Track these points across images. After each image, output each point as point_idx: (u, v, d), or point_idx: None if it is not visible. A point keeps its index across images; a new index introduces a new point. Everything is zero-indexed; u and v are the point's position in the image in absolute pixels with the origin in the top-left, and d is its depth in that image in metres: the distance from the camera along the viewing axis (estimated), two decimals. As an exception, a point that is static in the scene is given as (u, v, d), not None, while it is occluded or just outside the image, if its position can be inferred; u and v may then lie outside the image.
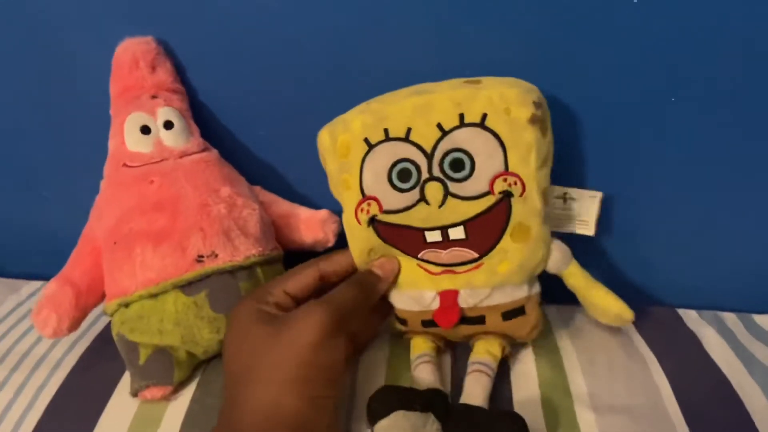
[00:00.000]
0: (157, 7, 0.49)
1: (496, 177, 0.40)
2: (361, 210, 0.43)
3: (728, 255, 0.52)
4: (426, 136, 0.40)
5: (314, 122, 0.45)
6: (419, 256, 0.44)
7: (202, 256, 0.45)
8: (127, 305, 0.45)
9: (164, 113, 0.49)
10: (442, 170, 0.41)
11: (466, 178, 0.40)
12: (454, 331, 0.45)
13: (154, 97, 0.49)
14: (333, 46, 0.48)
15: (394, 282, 0.45)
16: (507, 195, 0.41)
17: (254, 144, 0.55)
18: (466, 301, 0.43)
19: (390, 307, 0.47)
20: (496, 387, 0.43)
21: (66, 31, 0.51)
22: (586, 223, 0.47)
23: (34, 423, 0.44)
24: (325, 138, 0.44)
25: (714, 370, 0.45)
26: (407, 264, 0.45)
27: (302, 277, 0.43)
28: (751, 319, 0.51)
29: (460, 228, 0.42)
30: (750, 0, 0.42)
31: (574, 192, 0.46)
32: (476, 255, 0.43)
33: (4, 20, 0.52)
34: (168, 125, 0.49)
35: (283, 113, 0.52)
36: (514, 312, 0.44)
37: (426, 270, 0.44)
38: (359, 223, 0.43)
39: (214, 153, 0.51)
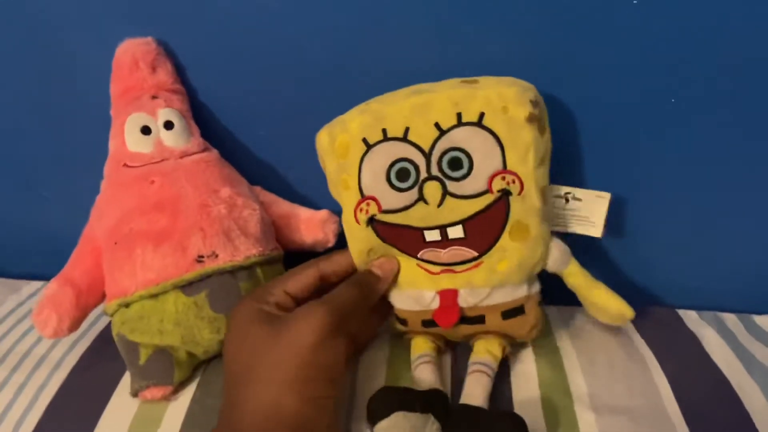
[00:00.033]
0: (157, 7, 0.49)
1: (494, 175, 0.40)
2: (360, 210, 0.43)
3: (728, 255, 0.52)
4: (424, 136, 0.41)
5: (314, 122, 0.45)
6: (419, 255, 0.44)
7: (203, 257, 0.45)
8: (127, 305, 0.45)
9: (165, 114, 0.49)
10: (440, 169, 0.41)
11: (464, 177, 0.40)
12: (454, 330, 0.45)
13: (154, 97, 0.49)
14: (333, 46, 0.49)
15: (393, 282, 0.45)
16: (505, 193, 0.41)
17: (254, 144, 0.55)
18: (465, 300, 0.43)
19: (390, 307, 0.47)
20: (496, 387, 0.43)
21: (66, 31, 0.51)
22: (593, 224, 0.46)
23: (35, 423, 0.44)
24: (323, 139, 0.44)
25: (714, 371, 0.45)
26: (407, 264, 0.45)
27: (302, 278, 0.43)
28: (751, 320, 0.51)
29: (459, 227, 0.42)
30: (750, 0, 0.42)
31: (579, 192, 0.46)
32: (475, 254, 0.43)
33: (4, 20, 0.52)
34: (168, 125, 0.49)
35: (283, 113, 0.52)
36: (513, 311, 0.44)
37: (425, 269, 0.44)
38: (358, 223, 0.43)
39: (214, 153, 0.51)
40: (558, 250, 0.44)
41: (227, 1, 0.48)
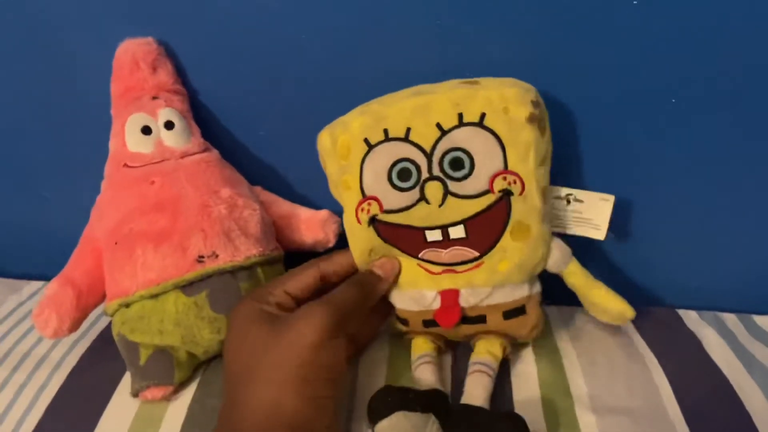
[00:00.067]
0: (157, 7, 0.49)
1: (495, 175, 0.40)
2: (362, 210, 0.43)
3: (728, 255, 0.52)
4: (425, 136, 0.41)
5: (314, 122, 0.45)
6: (420, 255, 0.44)
7: (203, 257, 0.45)
8: (127, 305, 0.45)
9: (165, 114, 0.49)
10: (441, 169, 0.41)
11: (465, 177, 0.41)
12: (455, 330, 0.45)
13: (155, 98, 0.49)
14: (333, 47, 0.48)
15: (394, 282, 0.45)
16: (507, 193, 0.41)
17: (255, 144, 0.55)
18: (467, 300, 0.43)
19: (390, 308, 0.47)
20: (496, 387, 0.43)
21: (66, 31, 0.51)
22: (596, 227, 0.46)
23: (35, 423, 0.44)
24: (325, 139, 0.44)
25: (714, 371, 0.45)
26: (408, 264, 0.45)
27: (303, 278, 0.43)
28: (751, 320, 0.51)
29: (461, 227, 0.42)
30: (750, 0, 0.42)
31: (581, 194, 0.46)
32: (476, 254, 0.43)
33: (4, 20, 0.52)
34: (169, 125, 0.49)
35: (284, 113, 0.52)
36: (515, 311, 0.44)
37: (426, 270, 0.44)
38: (360, 222, 0.43)
39: (214, 153, 0.51)
40: (559, 251, 0.44)
41: (227, 1, 0.48)
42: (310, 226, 0.52)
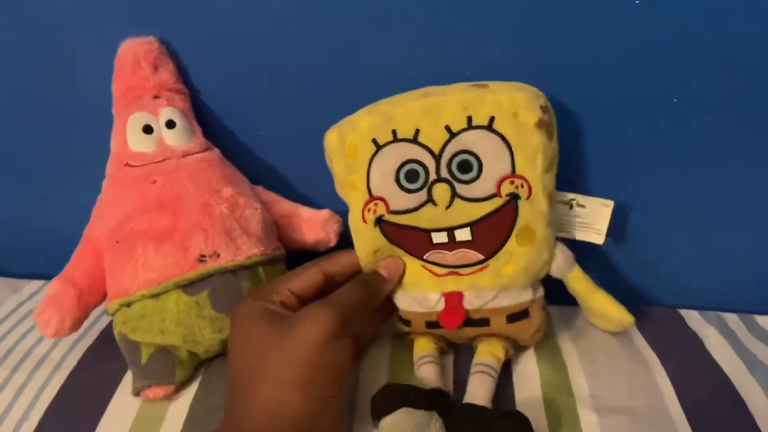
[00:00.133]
0: (157, 7, 0.49)
1: (503, 179, 0.40)
2: (368, 210, 0.43)
3: (730, 256, 0.52)
4: (434, 138, 0.41)
5: (315, 122, 0.45)
6: (425, 257, 0.44)
7: (204, 256, 0.45)
8: (128, 305, 0.45)
9: (166, 113, 0.49)
10: (449, 172, 0.41)
11: (473, 180, 0.41)
12: (458, 332, 0.45)
13: (156, 97, 0.49)
14: (334, 47, 0.48)
15: (399, 283, 0.45)
16: (514, 197, 0.41)
17: (256, 144, 0.55)
18: (471, 302, 0.43)
19: (393, 308, 0.47)
20: (498, 387, 0.43)
21: (66, 31, 0.51)
22: (596, 231, 0.47)
23: (36, 423, 0.44)
24: (332, 138, 0.44)
25: (716, 371, 0.45)
26: (412, 265, 0.45)
27: (306, 277, 0.43)
28: (753, 320, 0.51)
29: (467, 229, 0.42)
30: (750, 0, 0.42)
31: (583, 199, 0.46)
32: (482, 257, 0.43)
33: (4, 20, 0.51)
34: (170, 124, 0.49)
35: (285, 113, 0.52)
36: (518, 315, 0.44)
37: (431, 271, 0.44)
38: (366, 222, 0.43)
39: (216, 153, 0.51)
40: (563, 255, 0.44)
41: (228, 1, 0.48)
42: (311, 225, 0.52)
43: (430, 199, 0.41)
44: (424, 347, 0.46)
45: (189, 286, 0.45)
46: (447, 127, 0.40)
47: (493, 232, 0.42)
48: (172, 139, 0.49)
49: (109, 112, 0.51)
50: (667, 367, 0.45)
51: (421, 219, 0.42)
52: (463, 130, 0.40)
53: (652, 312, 0.52)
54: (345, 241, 0.46)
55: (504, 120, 0.40)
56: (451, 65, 0.47)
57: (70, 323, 0.46)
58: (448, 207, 0.41)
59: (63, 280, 0.47)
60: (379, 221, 0.43)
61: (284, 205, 0.53)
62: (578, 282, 0.45)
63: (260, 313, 0.39)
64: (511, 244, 0.42)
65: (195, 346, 0.46)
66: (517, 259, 0.42)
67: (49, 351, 0.51)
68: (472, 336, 0.45)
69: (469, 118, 0.40)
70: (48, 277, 0.49)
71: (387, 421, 0.38)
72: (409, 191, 0.41)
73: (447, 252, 0.43)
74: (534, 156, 0.40)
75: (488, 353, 0.44)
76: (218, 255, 0.45)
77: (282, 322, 0.38)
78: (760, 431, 0.39)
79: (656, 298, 0.55)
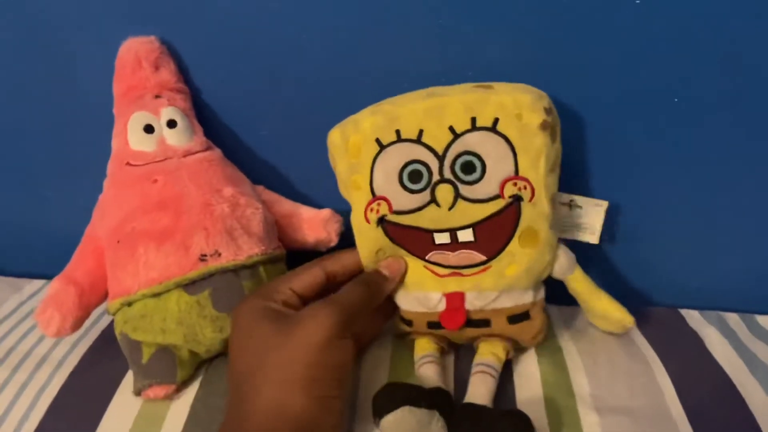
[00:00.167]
0: (157, 7, 0.49)
1: (506, 181, 0.41)
2: (371, 210, 0.43)
3: (730, 255, 0.52)
4: (438, 139, 0.41)
5: (316, 122, 0.45)
6: (427, 257, 0.44)
7: (205, 255, 0.45)
8: (130, 304, 0.45)
9: (167, 112, 0.49)
10: (453, 172, 0.41)
11: (476, 181, 0.41)
12: (459, 333, 0.45)
13: (157, 96, 0.49)
14: (335, 46, 0.49)
15: (400, 282, 0.45)
16: (517, 199, 0.41)
17: (257, 143, 0.55)
18: (472, 303, 0.43)
19: (393, 308, 0.47)
20: (499, 387, 0.43)
21: (66, 31, 0.51)
22: (591, 231, 0.47)
23: (36, 423, 0.43)
24: (336, 137, 0.44)
25: (717, 370, 0.45)
26: (414, 265, 0.45)
27: (307, 277, 0.43)
28: (753, 320, 0.51)
29: (470, 230, 0.42)
30: (750, 1, 0.42)
31: (580, 200, 0.46)
32: (484, 258, 0.43)
33: (4, 20, 0.51)
34: (171, 124, 0.49)
35: (286, 113, 0.52)
36: (519, 316, 0.44)
37: (433, 272, 0.44)
38: (368, 222, 0.43)
39: (217, 152, 0.51)
40: (565, 257, 0.44)
41: (229, 1, 0.48)
42: (312, 225, 0.52)
43: (433, 200, 0.41)
44: (425, 347, 0.46)
45: (190, 286, 0.45)
46: (451, 128, 0.40)
47: (495, 234, 0.42)
48: (174, 138, 0.49)
49: (109, 112, 0.51)
50: (667, 367, 0.45)
51: (424, 219, 0.42)
52: (467, 131, 0.40)
53: (653, 312, 0.52)
54: (346, 240, 0.46)
55: (508, 121, 0.40)
56: (451, 65, 0.47)
57: (72, 323, 0.46)
58: (451, 208, 0.41)
59: (64, 279, 0.47)
60: (382, 221, 0.43)
61: (285, 205, 0.53)
62: (579, 283, 0.45)
63: (262, 312, 0.39)
64: (514, 245, 0.42)
65: (196, 345, 0.46)
66: (519, 261, 0.42)
67: (49, 351, 0.51)
68: (473, 336, 0.45)
69: (473, 119, 0.40)
70: (49, 276, 0.49)
71: (388, 420, 0.38)
72: (412, 191, 0.41)
73: (449, 252, 0.43)
74: (537, 158, 0.40)
75: (489, 353, 0.44)
76: (219, 254, 0.45)
77: (284, 321, 0.38)
78: (760, 431, 0.39)
79: (656, 298, 0.55)
